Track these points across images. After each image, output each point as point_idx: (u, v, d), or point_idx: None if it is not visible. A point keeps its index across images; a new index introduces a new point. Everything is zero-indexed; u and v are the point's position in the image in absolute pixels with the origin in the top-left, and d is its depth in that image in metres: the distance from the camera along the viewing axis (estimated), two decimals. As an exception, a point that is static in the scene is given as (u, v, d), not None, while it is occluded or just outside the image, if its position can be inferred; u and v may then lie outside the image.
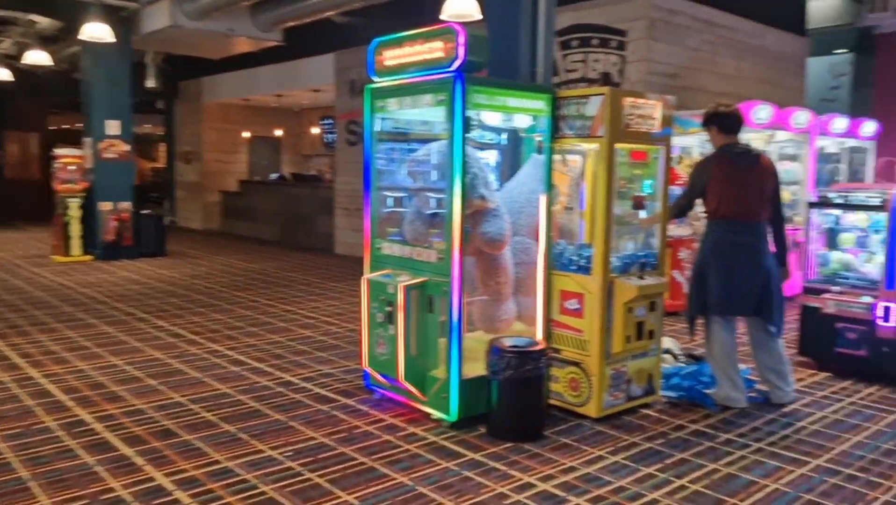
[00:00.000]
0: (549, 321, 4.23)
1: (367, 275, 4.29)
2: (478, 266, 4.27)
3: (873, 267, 5.22)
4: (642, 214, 4.28)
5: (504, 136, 4.53)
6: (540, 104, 4.09)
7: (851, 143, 9.07)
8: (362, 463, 3.46)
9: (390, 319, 3.99)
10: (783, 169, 7.77)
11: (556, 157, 4.22)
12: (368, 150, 4.35)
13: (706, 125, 4.42)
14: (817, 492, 3.24)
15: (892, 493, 3.24)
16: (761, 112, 7.45)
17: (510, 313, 4.32)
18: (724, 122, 4.36)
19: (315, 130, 17.85)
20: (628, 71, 7.89)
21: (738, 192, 4.29)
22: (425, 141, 4.22)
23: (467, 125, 3.76)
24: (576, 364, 4.11)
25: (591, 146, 4.06)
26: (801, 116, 8.05)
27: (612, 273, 4.04)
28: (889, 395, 4.71)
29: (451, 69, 3.71)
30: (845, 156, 9.10)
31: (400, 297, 3.90)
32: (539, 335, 4.24)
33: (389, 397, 4.35)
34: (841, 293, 5.15)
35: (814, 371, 5.23)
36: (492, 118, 4.30)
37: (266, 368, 5.10)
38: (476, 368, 3.93)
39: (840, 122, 8.65)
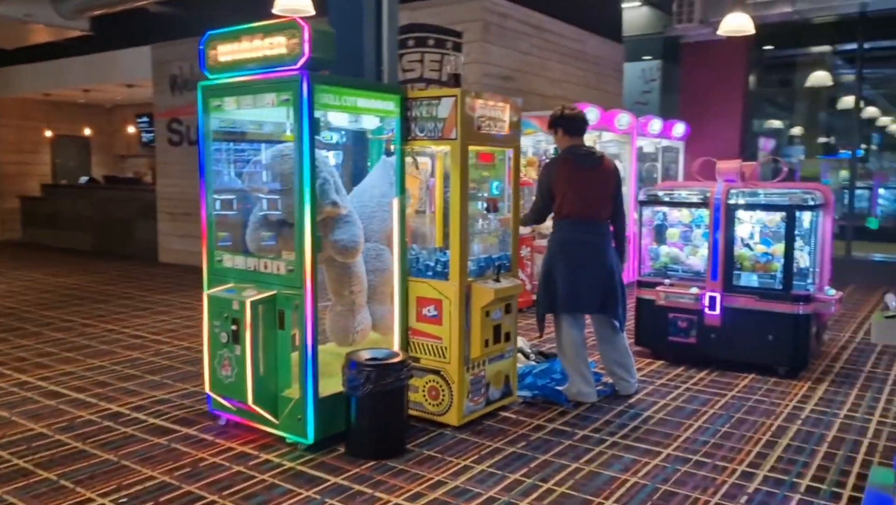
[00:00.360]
0: (406, 330, 4.09)
1: (208, 290, 3.91)
2: (329, 275, 4.04)
3: (698, 260, 5.60)
4: (492, 217, 4.27)
5: (350, 137, 4.33)
6: (390, 105, 3.94)
7: (665, 143, 9.81)
8: (212, 502, 3.12)
9: (236, 337, 3.65)
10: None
11: (408, 159, 4.10)
12: (203, 152, 3.97)
13: (552, 127, 4.50)
14: (672, 481, 3.36)
15: (737, 475, 3.44)
16: (590, 114, 7.80)
17: (365, 324, 4.13)
18: (570, 125, 4.46)
19: (131, 129, 16.48)
20: (465, 72, 7.94)
21: (583, 192, 4.41)
22: (269, 143, 3.91)
23: (315, 127, 3.52)
24: (435, 372, 4.00)
25: (441, 148, 3.98)
26: (624, 119, 8.55)
27: (469, 277, 3.98)
28: (718, 378, 5.06)
29: (295, 67, 3.44)
30: (659, 155, 9.83)
31: (246, 313, 3.58)
32: (397, 345, 4.09)
33: (237, 423, 4.00)
34: (672, 285, 5.48)
35: (650, 360, 5.53)
36: (338, 119, 4.08)
37: (88, 399, 4.53)
38: (332, 384, 3.70)
39: (656, 124, 9.31)
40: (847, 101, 13.10)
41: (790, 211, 5.05)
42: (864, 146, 12.82)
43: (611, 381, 4.73)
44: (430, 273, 4.03)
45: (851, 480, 3.38)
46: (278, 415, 3.72)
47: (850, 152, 10.82)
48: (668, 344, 5.48)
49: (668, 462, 3.58)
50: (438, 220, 4.17)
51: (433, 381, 4.01)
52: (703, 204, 5.40)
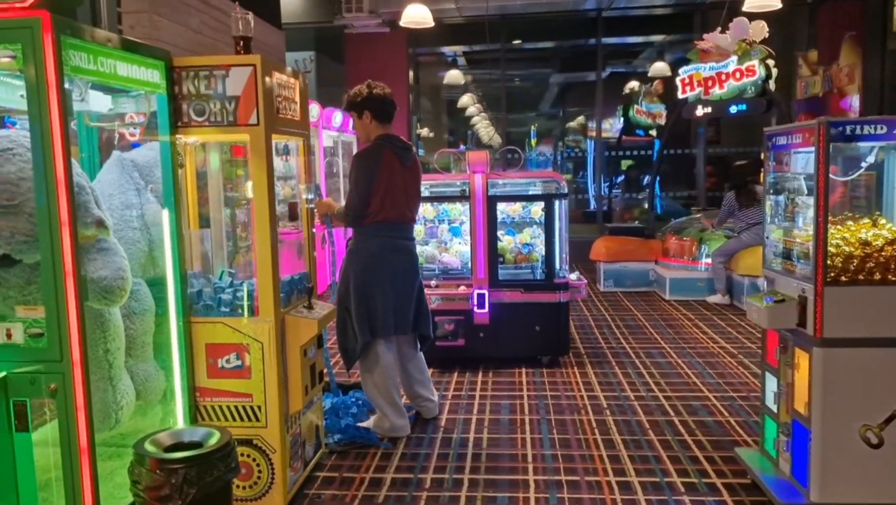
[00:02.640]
0: (192, 393, 2.93)
1: None
2: (70, 332, 2.67)
3: (453, 256, 5.30)
4: (293, 226, 3.33)
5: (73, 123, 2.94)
6: (153, 75, 2.72)
7: (345, 137, 9.42)
8: None
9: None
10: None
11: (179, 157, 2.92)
12: None
13: (355, 110, 3.69)
14: (565, 514, 2.96)
15: (618, 491, 3.17)
16: (313, 109, 6.97)
17: (130, 395, 2.85)
18: (382, 109, 3.69)
19: None
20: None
21: (403, 192, 3.71)
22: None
23: (69, 105, 2.22)
24: (245, 443, 2.95)
25: (192, 139, 2.92)
26: (314, 110, 7.89)
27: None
28: (498, 379, 4.83)
29: (26, 3, 2.09)
30: (339, 150, 9.40)
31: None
32: (180, 416, 2.91)
33: None
34: (437, 287, 5.08)
35: (419, 370, 5.07)
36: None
37: None
38: (115, 497, 2.43)
39: (338, 117, 8.85)
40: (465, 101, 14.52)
41: (549, 200, 5.04)
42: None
43: (413, 403, 4.13)
44: (224, 309, 2.94)
45: (710, 467, 3.38)
46: (23, 568, 2.31)
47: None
48: (436, 350, 5.07)
49: (543, 492, 3.16)
50: (221, 237, 3.09)
51: (244, 455, 2.94)
52: (463, 197, 5.11)
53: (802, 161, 2.96)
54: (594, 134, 13.07)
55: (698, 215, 8.93)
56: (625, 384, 4.65)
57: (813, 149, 2.68)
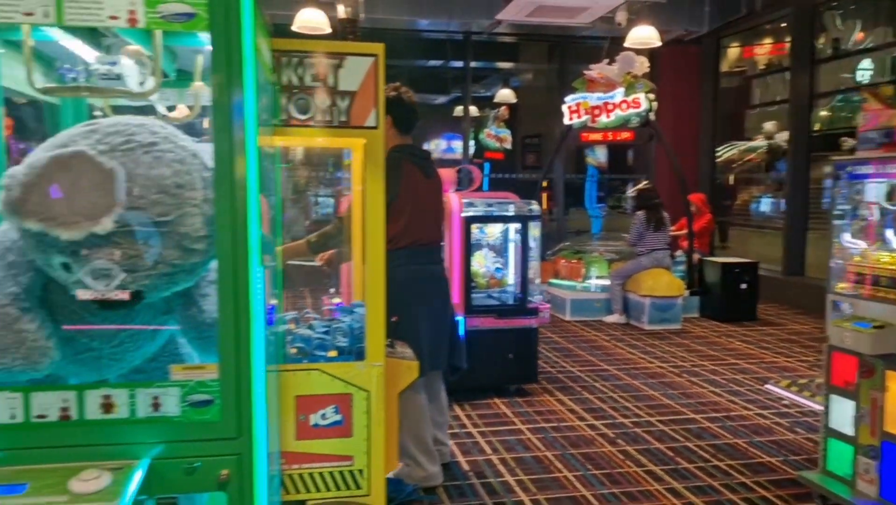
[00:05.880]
0: (277, 459, 2.32)
1: None
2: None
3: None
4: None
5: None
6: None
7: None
8: None
9: None
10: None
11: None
12: None
13: None
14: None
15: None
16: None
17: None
18: (406, 116, 3.22)
19: None
20: None
21: (430, 210, 3.29)
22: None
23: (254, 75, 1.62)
24: (344, 517, 2.39)
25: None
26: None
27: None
28: (480, 411, 4.52)
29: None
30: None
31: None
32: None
33: None
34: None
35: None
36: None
37: None
38: None
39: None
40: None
41: (523, 221, 4.85)
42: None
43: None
44: (321, 354, 2.38)
45: (771, 494, 3.37)
46: None
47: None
48: (406, 383, 4.64)
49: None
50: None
51: (342, 532, 2.38)
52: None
53: (877, 189, 3.08)
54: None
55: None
56: (609, 410, 4.57)
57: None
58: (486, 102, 14.16)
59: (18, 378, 1.63)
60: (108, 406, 1.54)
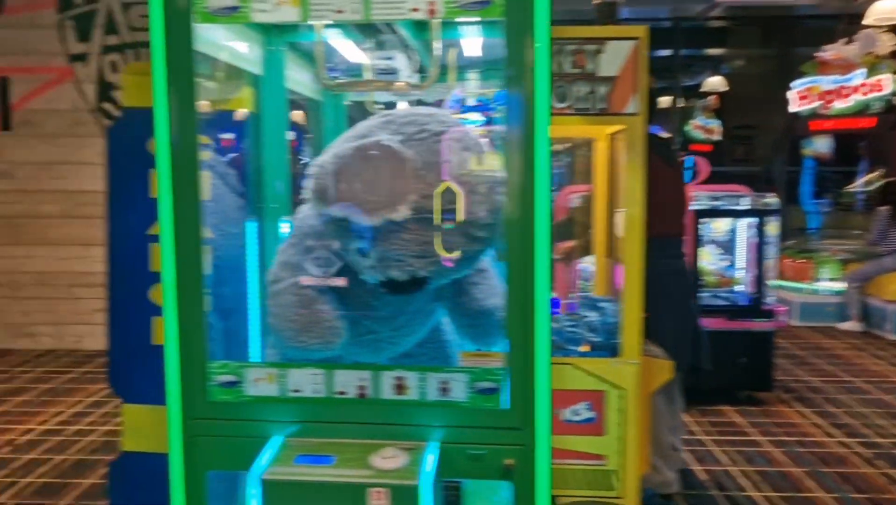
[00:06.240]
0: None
1: (267, 473, 1.54)
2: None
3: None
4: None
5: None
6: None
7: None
8: None
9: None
10: None
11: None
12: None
13: None
14: None
15: None
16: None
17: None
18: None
19: None
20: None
21: (671, 200, 3.12)
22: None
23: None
24: (596, 518, 2.33)
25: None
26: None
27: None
28: (702, 418, 4.24)
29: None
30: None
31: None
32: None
33: None
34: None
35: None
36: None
37: None
38: None
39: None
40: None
41: (760, 216, 4.50)
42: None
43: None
44: (574, 347, 2.33)
45: None
46: None
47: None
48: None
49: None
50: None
51: (594, 533, 2.32)
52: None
53: None
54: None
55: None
56: (860, 427, 4.09)
57: None
58: (692, 92, 13.42)
59: (312, 356, 1.73)
60: (400, 387, 1.58)
